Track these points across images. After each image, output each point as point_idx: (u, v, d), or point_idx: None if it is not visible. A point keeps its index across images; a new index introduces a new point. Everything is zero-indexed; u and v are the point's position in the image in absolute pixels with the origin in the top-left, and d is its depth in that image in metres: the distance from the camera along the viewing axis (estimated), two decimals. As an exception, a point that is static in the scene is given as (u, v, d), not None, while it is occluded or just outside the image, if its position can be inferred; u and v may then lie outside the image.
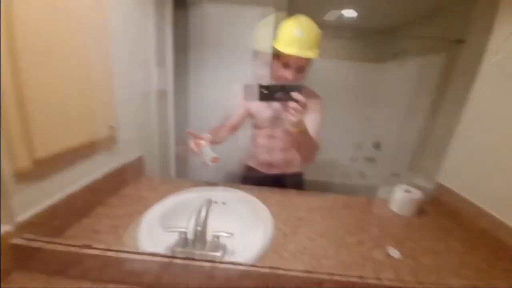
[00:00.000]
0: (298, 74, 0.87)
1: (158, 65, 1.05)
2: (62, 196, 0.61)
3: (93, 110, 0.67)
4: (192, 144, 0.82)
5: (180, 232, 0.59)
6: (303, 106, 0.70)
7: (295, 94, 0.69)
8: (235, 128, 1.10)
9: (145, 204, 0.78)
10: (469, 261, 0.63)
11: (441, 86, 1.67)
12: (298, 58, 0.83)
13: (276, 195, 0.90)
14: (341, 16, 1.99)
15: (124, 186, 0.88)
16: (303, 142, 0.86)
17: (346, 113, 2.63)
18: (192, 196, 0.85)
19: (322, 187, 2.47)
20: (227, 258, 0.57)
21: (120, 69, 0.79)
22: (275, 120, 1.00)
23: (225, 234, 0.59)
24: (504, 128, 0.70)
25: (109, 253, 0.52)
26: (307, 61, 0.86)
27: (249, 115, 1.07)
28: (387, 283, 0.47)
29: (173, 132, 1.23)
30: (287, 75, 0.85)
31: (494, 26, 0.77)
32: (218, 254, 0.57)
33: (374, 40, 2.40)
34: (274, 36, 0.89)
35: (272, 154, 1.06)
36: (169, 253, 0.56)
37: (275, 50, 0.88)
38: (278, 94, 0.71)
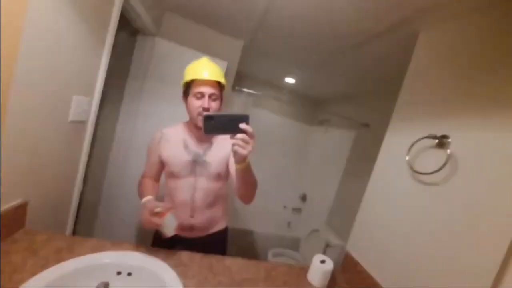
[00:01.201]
0: (213, 102, 0.88)
1: (82, 94, 0.91)
2: None
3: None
4: (150, 216, 0.75)
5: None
6: (252, 137, 0.65)
7: (243, 125, 0.64)
8: (157, 179, 1.02)
9: (14, 278, 0.57)
10: None
11: (352, 156, 2.02)
12: (208, 85, 0.87)
13: (195, 262, 0.81)
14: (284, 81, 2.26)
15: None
16: (249, 179, 0.79)
17: (281, 164, 2.82)
18: (84, 267, 0.67)
19: (250, 237, 2.42)
20: None
21: (20, 96, 0.64)
22: (195, 164, 0.92)
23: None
24: (396, 219, 0.86)
25: None
26: (217, 89, 0.89)
27: (162, 163, 0.96)
28: None
29: (81, 172, 1.02)
30: (203, 103, 0.86)
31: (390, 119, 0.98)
32: None
33: (305, 106, 2.79)
34: (183, 77, 0.93)
35: (196, 214, 0.94)
36: None
37: (186, 87, 0.91)
38: (225, 125, 0.66)
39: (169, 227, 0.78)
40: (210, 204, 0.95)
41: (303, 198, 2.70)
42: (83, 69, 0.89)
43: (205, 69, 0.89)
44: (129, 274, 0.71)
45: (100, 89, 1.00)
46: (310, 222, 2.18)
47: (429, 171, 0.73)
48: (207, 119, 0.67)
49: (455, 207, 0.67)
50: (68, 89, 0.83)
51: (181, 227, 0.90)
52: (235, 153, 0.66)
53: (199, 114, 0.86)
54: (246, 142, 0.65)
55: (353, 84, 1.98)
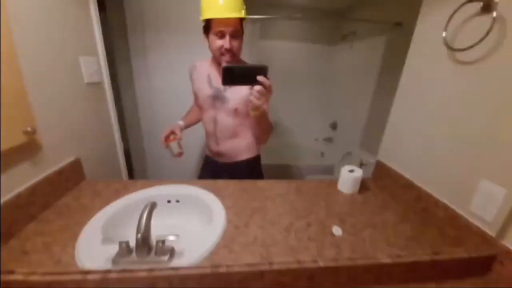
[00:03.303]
0: (234, 41, 0.86)
1: (87, 54, 0.92)
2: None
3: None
4: (163, 138, 0.98)
5: (121, 242, 0.55)
6: (269, 89, 0.68)
7: (261, 77, 0.66)
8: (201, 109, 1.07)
9: (86, 214, 0.71)
10: (400, 231, 0.71)
11: (384, 67, 1.79)
12: (228, 23, 0.82)
13: (230, 187, 0.90)
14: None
15: (60, 196, 0.79)
16: (261, 125, 0.88)
17: (306, 95, 2.70)
18: (139, 199, 0.79)
19: (284, 171, 2.53)
20: (175, 261, 0.55)
21: (35, 65, 0.68)
22: (216, 99, 0.96)
23: (171, 238, 0.57)
24: (429, 111, 0.78)
25: (33, 277, 0.46)
26: (238, 25, 0.85)
27: (195, 95, 1.04)
28: (321, 264, 0.50)
29: (116, 127, 1.12)
30: (224, 43, 0.84)
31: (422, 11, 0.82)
32: (164, 258, 0.55)
33: (325, 22, 2.44)
34: (200, 12, 0.86)
35: (220, 143, 1.03)
36: (109, 266, 0.53)
37: (205, 23, 0.87)
38: (244, 77, 0.68)
39: (172, 151, 0.99)
40: (231, 136, 1.01)
41: (334, 126, 2.63)
42: (77, 27, 0.88)
43: (222, 3, 0.81)
44: (177, 201, 0.83)
45: (102, 46, 1.00)
46: (343, 149, 2.15)
47: (470, 44, 0.60)
48: (227, 70, 0.67)
49: (500, 88, 0.57)
50: (72, 50, 0.85)
51: (212, 153, 1.09)
52: (250, 102, 0.70)
53: (221, 54, 0.87)
54: (262, 94, 0.68)
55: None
